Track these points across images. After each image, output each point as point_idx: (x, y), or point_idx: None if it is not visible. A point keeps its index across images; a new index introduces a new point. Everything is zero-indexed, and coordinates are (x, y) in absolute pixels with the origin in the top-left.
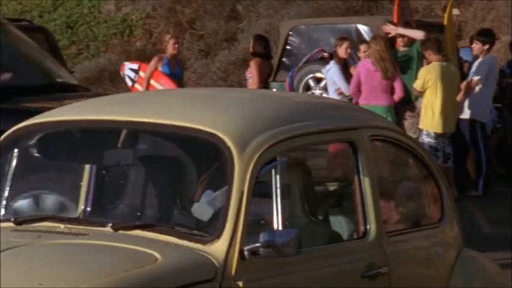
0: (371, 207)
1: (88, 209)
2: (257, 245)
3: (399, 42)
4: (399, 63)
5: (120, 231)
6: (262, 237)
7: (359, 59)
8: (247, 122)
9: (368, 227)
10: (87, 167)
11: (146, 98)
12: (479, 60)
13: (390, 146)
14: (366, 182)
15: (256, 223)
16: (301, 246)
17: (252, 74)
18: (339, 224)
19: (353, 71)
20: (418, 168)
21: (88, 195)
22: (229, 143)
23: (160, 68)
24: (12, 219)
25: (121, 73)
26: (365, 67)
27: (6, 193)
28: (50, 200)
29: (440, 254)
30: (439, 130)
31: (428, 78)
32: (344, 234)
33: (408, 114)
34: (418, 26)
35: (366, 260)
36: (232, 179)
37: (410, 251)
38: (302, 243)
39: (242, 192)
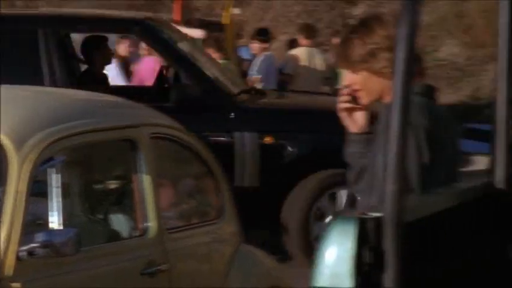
0: (151, 204)
1: None
2: (34, 245)
3: None
4: None
5: None
6: (40, 237)
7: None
8: (23, 120)
9: (148, 224)
10: None
11: None
12: (259, 58)
13: (171, 144)
14: (146, 180)
15: (34, 223)
16: (80, 245)
17: None
18: (119, 222)
19: (134, 69)
20: (199, 165)
21: None
22: (5, 141)
23: None
24: None
25: None
26: (148, 65)
27: None
28: None
29: (219, 250)
30: None
31: None
32: (124, 232)
33: None
34: (199, 25)
35: (146, 258)
36: (8, 179)
37: (190, 248)
38: (82, 242)
39: (18, 192)
